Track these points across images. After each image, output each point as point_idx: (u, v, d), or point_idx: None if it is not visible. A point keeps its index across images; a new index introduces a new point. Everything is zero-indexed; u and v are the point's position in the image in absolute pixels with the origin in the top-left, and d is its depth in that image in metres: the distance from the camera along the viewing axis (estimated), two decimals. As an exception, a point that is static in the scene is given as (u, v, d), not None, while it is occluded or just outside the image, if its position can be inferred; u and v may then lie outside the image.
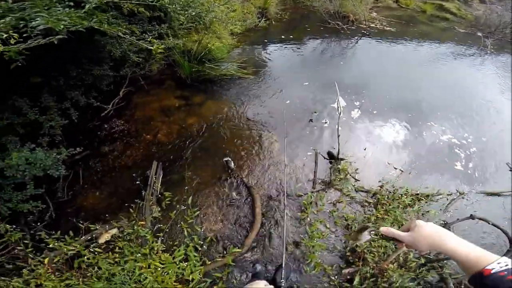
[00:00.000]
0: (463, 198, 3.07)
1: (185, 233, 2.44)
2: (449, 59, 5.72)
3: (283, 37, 5.86)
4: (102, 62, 3.52)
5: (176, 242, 2.42)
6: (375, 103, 4.22)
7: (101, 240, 2.38)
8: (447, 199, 3.01)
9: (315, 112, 3.97)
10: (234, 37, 5.48)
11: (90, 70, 3.41)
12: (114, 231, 2.45)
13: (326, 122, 3.83)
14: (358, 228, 0.92)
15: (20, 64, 1.87)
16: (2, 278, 1.82)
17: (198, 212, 2.64)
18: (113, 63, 3.64)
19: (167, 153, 3.21)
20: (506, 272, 0.56)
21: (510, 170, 3.46)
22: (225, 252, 2.39)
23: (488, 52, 6.00)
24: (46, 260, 1.93)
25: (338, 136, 3.18)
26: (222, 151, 3.25)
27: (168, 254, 2.19)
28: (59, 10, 1.83)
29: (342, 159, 3.22)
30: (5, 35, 1.66)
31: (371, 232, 0.87)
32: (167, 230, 2.51)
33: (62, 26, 1.74)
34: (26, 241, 2.12)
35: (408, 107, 4.23)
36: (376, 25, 6.77)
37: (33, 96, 2.96)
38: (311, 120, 3.83)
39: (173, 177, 2.99)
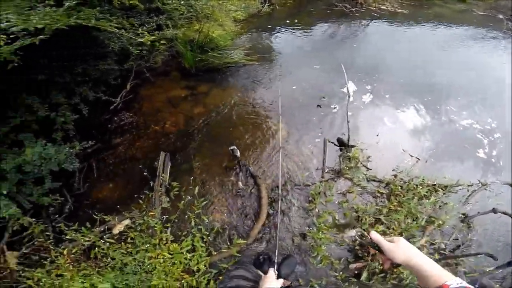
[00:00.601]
0: (485, 189, 2.84)
1: (192, 223, 2.48)
2: (468, 42, 5.29)
3: (288, 21, 5.64)
4: (106, 57, 3.53)
5: (184, 232, 2.46)
6: (388, 87, 4.02)
7: (115, 231, 2.45)
8: (468, 190, 2.81)
9: (323, 97, 3.84)
10: (237, 24, 5.33)
11: (96, 65, 3.45)
12: (127, 222, 2.54)
13: (335, 108, 3.70)
14: (346, 222, 1.02)
15: (16, 64, 1.91)
16: (27, 269, 1.98)
17: (204, 202, 2.67)
18: (117, 57, 3.65)
19: (174, 143, 3.25)
20: None
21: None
22: (230, 243, 2.41)
23: (513, 35, 5.51)
24: (65, 251, 2.09)
25: (348, 121, 3.07)
26: (229, 139, 3.23)
27: (176, 244, 2.25)
28: (39, 10, 1.83)
29: (352, 146, 3.11)
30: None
31: (358, 233, 0.96)
32: (176, 220, 2.56)
33: (33, 26, 1.75)
34: (48, 233, 2.28)
35: (424, 90, 3.99)
36: (386, 7, 6.38)
37: (43, 94, 3.03)
38: (319, 106, 3.71)
39: (181, 167, 3.02)
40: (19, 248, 2.29)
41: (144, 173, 2.86)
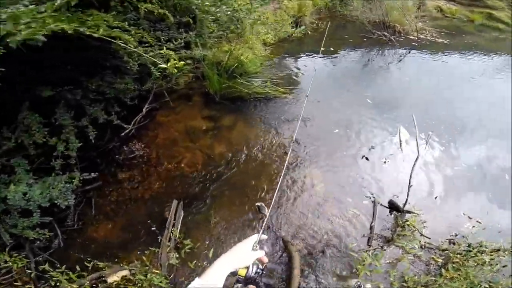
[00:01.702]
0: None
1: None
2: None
3: (323, 48, 5.21)
4: (125, 73, 3.12)
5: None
6: (445, 134, 3.48)
7: (110, 280, 2.07)
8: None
9: (372, 147, 3.27)
10: (267, 48, 4.91)
11: (112, 84, 3.03)
12: (125, 273, 2.12)
13: (385, 162, 3.12)
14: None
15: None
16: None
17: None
18: (137, 75, 3.23)
19: (189, 187, 2.74)
20: None
21: None
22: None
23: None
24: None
25: (410, 186, 2.51)
26: (253, 189, 2.71)
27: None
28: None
29: (409, 212, 2.55)
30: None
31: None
32: (186, 281, 2.08)
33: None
34: (29, 270, 2.02)
35: (490, 136, 3.47)
36: (426, 36, 6.12)
37: (48, 112, 2.60)
38: (366, 158, 3.13)
39: (196, 217, 2.51)
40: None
41: (152, 228, 2.39)
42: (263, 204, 2.40)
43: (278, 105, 3.76)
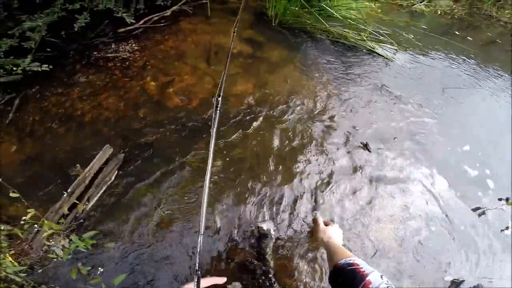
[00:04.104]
0: None
1: None
2: None
3: (457, 33, 3.21)
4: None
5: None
6: None
7: None
8: None
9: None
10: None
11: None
12: None
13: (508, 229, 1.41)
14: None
15: None
16: None
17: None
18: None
19: (157, 131, 1.54)
20: (346, 265, 0.68)
21: None
22: None
23: None
24: None
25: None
26: (261, 185, 1.37)
27: None
28: None
29: None
30: None
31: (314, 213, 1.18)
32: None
33: None
34: None
35: None
36: None
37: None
38: (482, 213, 1.43)
39: (137, 189, 1.31)
40: None
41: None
42: (270, 225, 1.10)
43: (370, 69, 2.14)
